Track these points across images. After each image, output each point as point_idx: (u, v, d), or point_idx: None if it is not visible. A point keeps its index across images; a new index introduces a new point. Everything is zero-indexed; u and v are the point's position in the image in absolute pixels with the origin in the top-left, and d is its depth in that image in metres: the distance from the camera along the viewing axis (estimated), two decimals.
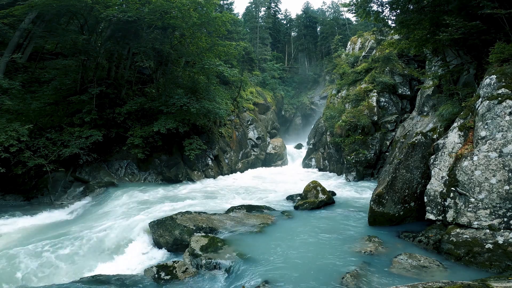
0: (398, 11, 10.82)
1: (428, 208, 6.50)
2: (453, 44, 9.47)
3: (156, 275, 5.44)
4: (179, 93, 15.30)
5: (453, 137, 6.73)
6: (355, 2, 11.36)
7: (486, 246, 5.20)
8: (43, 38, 13.64)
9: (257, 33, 40.85)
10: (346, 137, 17.52)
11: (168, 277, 5.39)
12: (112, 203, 10.58)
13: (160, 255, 6.82)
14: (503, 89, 6.01)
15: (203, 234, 6.91)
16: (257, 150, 23.69)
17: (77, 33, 13.51)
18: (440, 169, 6.54)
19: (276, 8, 50.66)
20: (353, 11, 11.91)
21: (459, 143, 6.57)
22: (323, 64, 39.14)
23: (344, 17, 46.43)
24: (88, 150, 12.71)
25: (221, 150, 19.05)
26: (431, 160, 6.88)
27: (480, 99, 6.49)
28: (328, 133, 20.39)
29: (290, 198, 11.37)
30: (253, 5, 45.72)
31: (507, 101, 5.79)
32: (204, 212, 8.45)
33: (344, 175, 17.08)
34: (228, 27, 17.68)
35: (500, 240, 5.15)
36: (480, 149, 5.87)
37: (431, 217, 6.39)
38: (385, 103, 17.88)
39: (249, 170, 21.34)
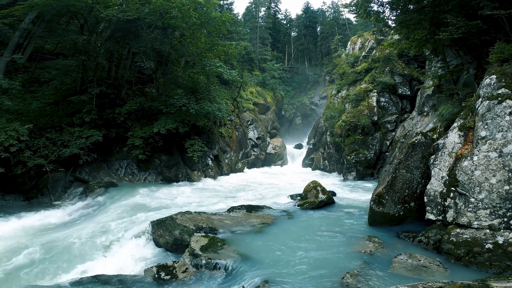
0: (398, 11, 10.82)
1: (428, 208, 6.50)
2: (453, 44, 9.46)
3: (156, 275, 5.44)
4: (179, 93, 15.29)
5: (453, 137, 6.73)
6: (355, 2, 11.36)
7: (486, 246, 5.20)
8: (43, 38, 13.61)
9: (257, 33, 40.84)
10: (346, 137, 17.53)
11: (168, 277, 5.40)
12: (112, 203, 10.58)
13: (160, 255, 6.82)
14: (503, 89, 6.00)
15: (203, 234, 6.91)
16: (257, 150, 23.68)
17: (77, 33, 13.50)
18: (440, 169, 6.53)
19: (276, 8, 50.69)
20: (354, 12, 11.91)
21: (459, 143, 6.57)
22: (323, 64, 39.12)
23: (344, 17, 46.43)
24: (88, 150, 12.71)
25: (221, 150, 19.05)
26: (431, 160, 6.88)
27: (480, 99, 6.48)
28: (328, 133, 20.40)
29: (290, 198, 11.37)
30: (253, 5, 45.72)
31: (507, 101, 5.78)
32: (204, 212, 8.45)
33: (344, 175, 17.09)
34: (228, 27, 17.69)
35: (500, 240, 5.15)
36: (480, 149, 5.87)
37: (431, 217, 6.39)
38: (385, 103, 17.89)
39: (249, 170, 21.34)
